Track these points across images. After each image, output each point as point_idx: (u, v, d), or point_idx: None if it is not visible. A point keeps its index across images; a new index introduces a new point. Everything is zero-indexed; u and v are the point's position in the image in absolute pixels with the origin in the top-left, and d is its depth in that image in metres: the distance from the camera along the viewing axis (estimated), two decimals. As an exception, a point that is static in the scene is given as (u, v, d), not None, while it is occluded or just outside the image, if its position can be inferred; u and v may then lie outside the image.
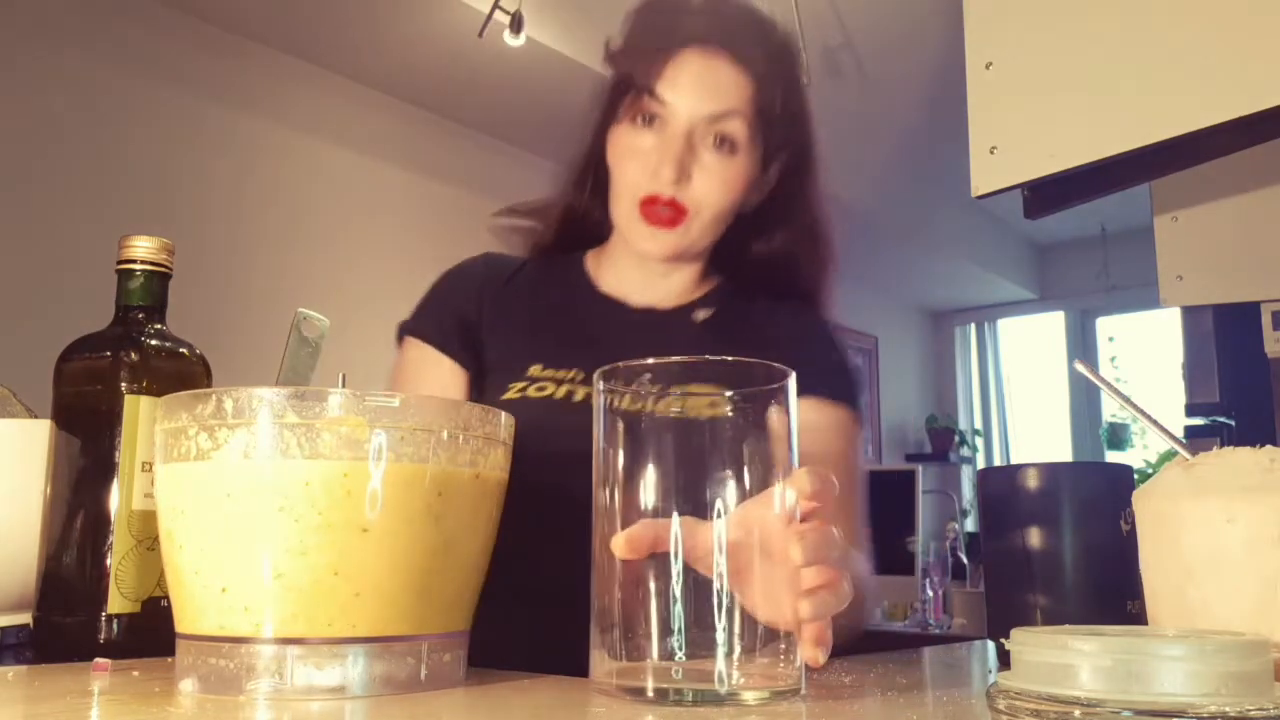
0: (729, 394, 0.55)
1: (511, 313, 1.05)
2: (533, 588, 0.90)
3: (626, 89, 0.97)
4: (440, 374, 1.03)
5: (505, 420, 0.62)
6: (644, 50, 0.97)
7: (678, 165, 0.93)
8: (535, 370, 0.99)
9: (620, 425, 0.56)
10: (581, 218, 1.08)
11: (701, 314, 1.05)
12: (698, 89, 0.94)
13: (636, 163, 0.96)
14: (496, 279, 1.08)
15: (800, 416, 0.58)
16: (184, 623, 0.56)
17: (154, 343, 0.74)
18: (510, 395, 0.98)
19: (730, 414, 0.54)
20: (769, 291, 1.07)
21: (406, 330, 1.06)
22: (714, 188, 0.95)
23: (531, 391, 0.97)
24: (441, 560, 0.57)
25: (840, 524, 0.56)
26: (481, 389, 1.02)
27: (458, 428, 0.57)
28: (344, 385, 0.66)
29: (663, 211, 0.95)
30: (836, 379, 1.02)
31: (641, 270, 1.05)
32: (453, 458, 0.57)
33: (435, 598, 0.57)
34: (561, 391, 0.97)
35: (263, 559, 0.53)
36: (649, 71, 0.94)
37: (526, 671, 0.65)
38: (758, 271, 1.07)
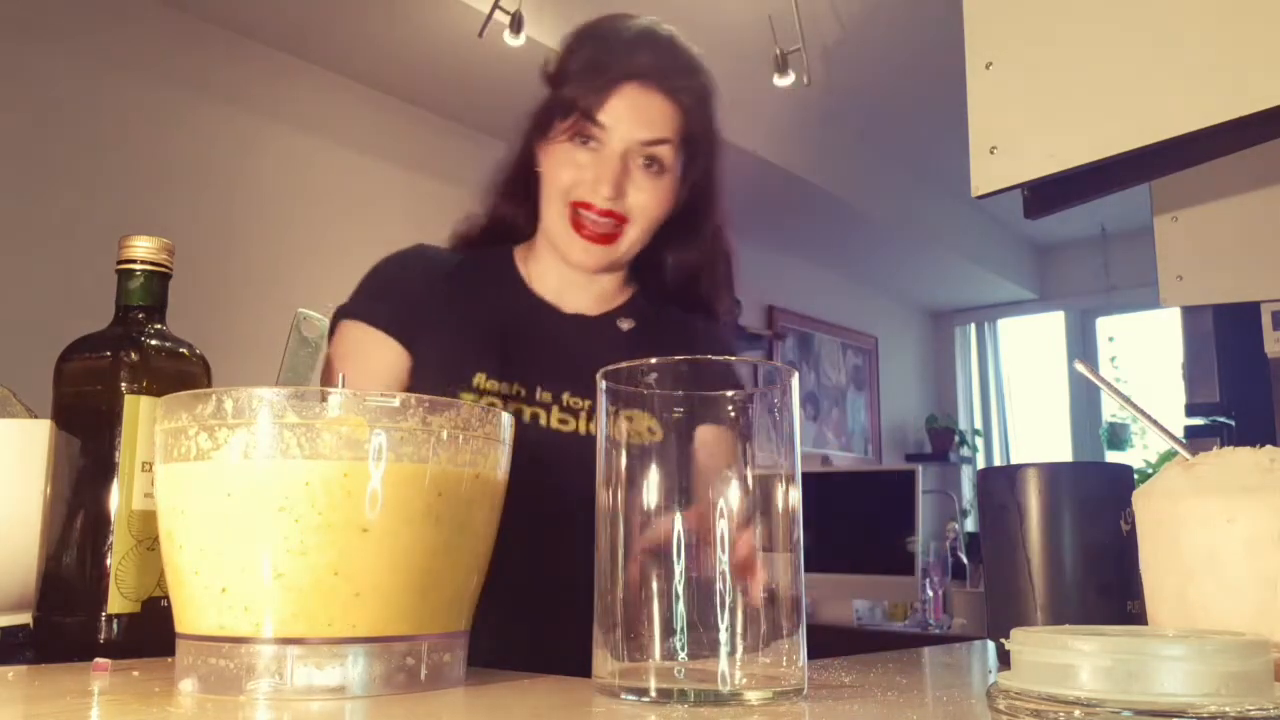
0: (734, 394, 0.55)
1: (451, 308, 1.07)
2: (534, 588, 0.90)
3: (567, 111, 1.04)
4: (385, 357, 1.04)
5: (506, 420, 0.62)
6: (588, 79, 1.04)
7: (614, 182, 1.02)
8: (480, 380, 1.02)
9: (623, 426, 0.56)
10: (507, 221, 1.15)
11: (625, 323, 1.12)
12: (635, 118, 1.03)
13: (573, 172, 1.03)
14: (436, 271, 1.11)
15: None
16: (184, 623, 0.56)
17: (154, 343, 0.74)
18: None
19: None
20: (679, 302, 1.16)
21: (346, 314, 1.07)
22: (647, 202, 1.04)
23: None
24: (441, 560, 0.57)
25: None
26: (420, 382, 1.03)
27: (458, 428, 0.57)
28: (344, 385, 0.66)
29: (601, 223, 1.02)
30: None
31: (565, 275, 1.10)
32: (453, 458, 0.57)
33: (435, 598, 0.57)
34: (511, 408, 1.01)
35: (263, 559, 0.53)
36: (591, 100, 1.02)
37: (527, 671, 0.65)
38: (669, 282, 1.15)
